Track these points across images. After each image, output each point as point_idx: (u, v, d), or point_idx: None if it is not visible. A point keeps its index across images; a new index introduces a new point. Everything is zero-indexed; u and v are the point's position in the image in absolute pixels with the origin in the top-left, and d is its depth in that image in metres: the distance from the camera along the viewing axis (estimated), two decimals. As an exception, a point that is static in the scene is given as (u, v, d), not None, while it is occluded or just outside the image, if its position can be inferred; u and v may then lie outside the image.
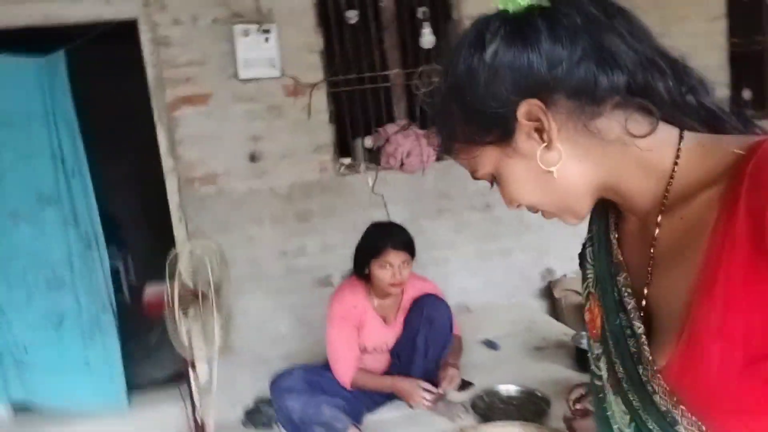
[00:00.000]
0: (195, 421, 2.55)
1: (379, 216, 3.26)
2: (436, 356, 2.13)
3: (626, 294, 0.69)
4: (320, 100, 3.18)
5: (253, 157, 3.13)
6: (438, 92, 0.71)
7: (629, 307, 0.68)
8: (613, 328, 0.70)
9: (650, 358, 0.63)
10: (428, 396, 1.96)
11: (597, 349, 0.75)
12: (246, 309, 3.22)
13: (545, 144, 0.65)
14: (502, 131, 0.66)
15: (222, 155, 3.09)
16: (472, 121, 0.68)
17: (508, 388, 2.20)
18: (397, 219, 3.00)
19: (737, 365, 0.56)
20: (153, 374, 3.32)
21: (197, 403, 2.54)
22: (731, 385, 0.56)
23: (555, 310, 3.42)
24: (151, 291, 2.52)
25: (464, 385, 2.29)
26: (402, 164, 3.21)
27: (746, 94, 3.90)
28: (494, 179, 0.72)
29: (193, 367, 2.57)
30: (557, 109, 0.63)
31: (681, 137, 0.64)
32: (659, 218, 0.65)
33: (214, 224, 3.10)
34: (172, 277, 2.41)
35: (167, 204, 3.11)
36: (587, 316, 0.79)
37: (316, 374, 2.06)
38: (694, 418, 0.60)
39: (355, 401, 2.06)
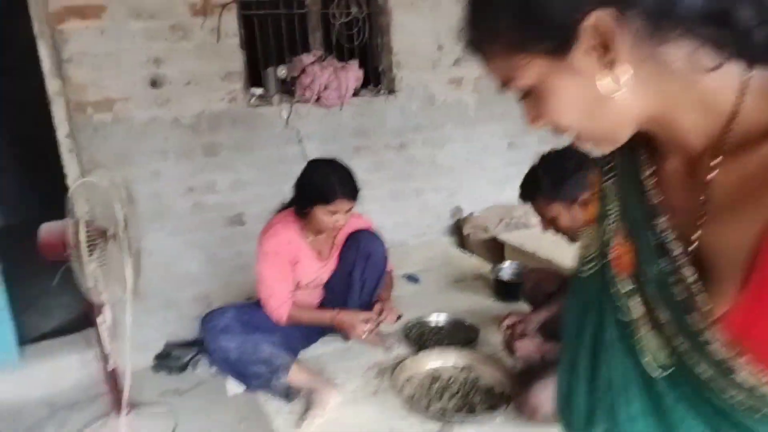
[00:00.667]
0: (106, 369, 2.36)
1: (294, 153, 3.14)
2: (371, 291, 2.12)
3: (669, 239, 0.65)
4: (230, 22, 2.91)
5: (154, 83, 2.82)
6: None
7: (675, 253, 0.64)
8: (653, 274, 0.66)
9: (706, 308, 0.60)
10: (368, 327, 1.95)
11: (626, 287, 0.71)
12: (151, 249, 2.98)
13: (606, 64, 0.59)
14: (559, 41, 0.60)
15: (119, 78, 2.75)
16: (527, 23, 0.60)
17: (437, 318, 2.27)
18: (312, 156, 2.90)
19: None
20: (48, 324, 3.00)
21: (108, 350, 2.35)
22: None
23: (464, 246, 3.56)
24: (47, 230, 2.22)
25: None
26: (318, 98, 3.08)
27: None
28: (528, 94, 0.66)
29: (101, 311, 2.36)
30: (628, 26, 0.57)
31: (749, 76, 0.59)
32: (716, 161, 0.60)
33: (111, 157, 2.79)
34: (73, 213, 2.16)
35: (54, 133, 2.74)
36: (612, 253, 0.74)
37: (249, 312, 1.96)
38: (760, 367, 0.56)
39: (290, 337, 2.00)
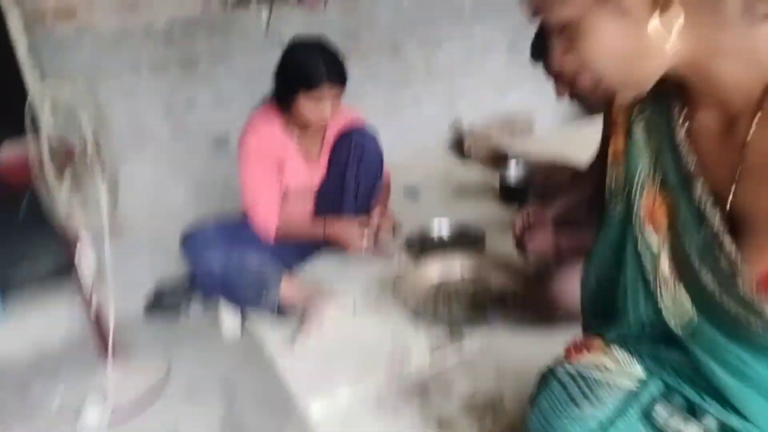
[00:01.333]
0: (89, 314, 2.22)
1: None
2: (366, 195, 1.92)
3: (707, 205, 0.65)
4: None
5: (118, -15, 2.54)
6: None
7: (714, 222, 0.64)
8: (694, 241, 0.67)
9: (749, 275, 0.60)
10: (367, 234, 1.78)
11: (655, 244, 0.72)
12: (130, 179, 2.77)
13: (660, 6, 0.55)
14: None
15: (78, -19, 2.47)
16: None
17: (440, 224, 2.11)
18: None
19: None
20: (34, 269, 2.84)
21: (89, 293, 2.19)
22: None
23: (466, 159, 3.36)
24: (7, 151, 2.02)
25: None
26: (301, -2, 2.79)
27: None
28: (564, 29, 0.61)
29: (79, 247, 2.19)
30: None
31: None
32: (757, 116, 0.59)
33: (78, 72, 2.55)
34: (36, 130, 1.95)
35: (11, 47, 2.48)
36: (643, 207, 0.74)
37: (233, 225, 1.78)
38: None
39: (282, 252, 1.84)
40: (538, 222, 1.56)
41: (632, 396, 0.73)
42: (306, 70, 1.65)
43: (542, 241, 1.51)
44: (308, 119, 1.74)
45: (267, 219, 1.77)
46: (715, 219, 0.64)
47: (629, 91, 0.65)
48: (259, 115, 1.80)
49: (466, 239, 2.03)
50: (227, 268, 1.63)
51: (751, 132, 0.60)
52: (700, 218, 0.65)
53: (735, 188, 0.62)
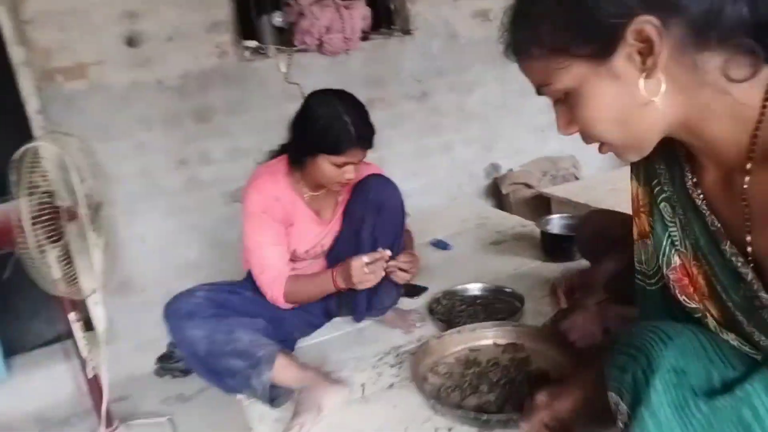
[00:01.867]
0: (86, 377, 2.02)
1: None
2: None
3: (739, 263, 0.68)
4: (212, -37, 2.51)
5: (131, 41, 2.46)
6: None
7: (749, 278, 0.67)
8: (737, 301, 0.69)
9: None
10: (370, 261, 1.46)
11: (695, 308, 0.76)
12: (144, 234, 2.65)
13: (646, 70, 0.62)
14: (602, 46, 0.63)
15: (90, 38, 2.40)
16: (572, 26, 0.63)
17: (471, 287, 1.81)
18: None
19: None
20: (36, 332, 2.70)
21: (86, 356, 2.00)
22: None
23: (504, 207, 3.07)
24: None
25: (415, 290, 1.88)
26: (321, 44, 2.64)
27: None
28: (562, 99, 0.68)
29: (74, 309, 2.01)
30: (669, 34, 0.60)
31: None
32: (748, 166, 0.64)
33: (89, 130, 2.43)
34: (18, 188, 1.80)
35: (23, 107, 2.41)
36: (674, 275, 0.78)
37: (228, 291, 1.54)
38: None
39: (282, 322, 1.59)
40: (588, 285, 1.25)
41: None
42: (332, 131, 1.43)
43: (586, 330, 1.21)
44: (326, 182, 1.53)
45: (276, 283, 1.54)
46: (749, 275, 0.66)
47: (631, 151, 0.68)
48: (266, 171, 1.60)
49: (501, 303, 1.72)
50: (210, 344, 1.38)
51: (747, 180, 0.64)
52: (736, 277, 0.68)
53: (750, 239, 0.66)
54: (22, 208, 1.72)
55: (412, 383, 1.34)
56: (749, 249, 0.67)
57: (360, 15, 2.66)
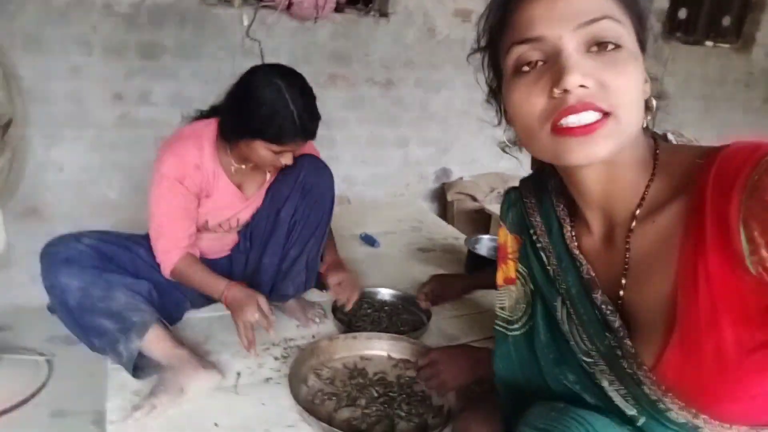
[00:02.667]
0: None
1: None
2: (303, 242, 1.52)
3: (608, 311, 0.70)
4: None
5: (84, -49, 2.25)
6: None
7: (616, 325, 0.69)
8: (602, 349, 0.70)
9: (649, 377, 0.65)
10: (260, 319, 1.32)
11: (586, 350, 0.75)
12: (63, 162, 2.46)
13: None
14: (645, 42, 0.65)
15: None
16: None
17: (382, 292, 1.73)
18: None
19: (731, 356, 0.58)
20: None
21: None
22: (726, 375, 0.58)
23: (445, 216, 3.01)
24: None
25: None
26: (290, 4, 2.49)
27: (682, 13, 3.60)
28: (601, 45, 0.60)
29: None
30: None
31: (657, 145, 0.69)
32: (638, 212, 0.67)
33: (20, 39, 2.23)
34: None
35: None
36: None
37: (118, 246, 1.41)
38: (688, 407, 0.62)
39: (172, 290, 1.47)
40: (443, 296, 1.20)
41: None
42: (275, 122, 1.29)
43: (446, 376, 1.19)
44: (258, 163, 1.41)
45: (168, 254, 1.40)
46: (616, 323, 0.68)
47: (615, 136, 0.61)
48: (191, 134, 1.43)
49: (407, 314, 1.65)
50: (83, 298, 1.25)
51: (633, 226, 0.67)
52: (604, 327, 0.70)
53: (624, 290, 0.68)
54: None
55: (290, 381, 1.25)
56: (621, 296, 0.69)
57: (338, -15, 2.52)
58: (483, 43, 0.72)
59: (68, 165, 2.46)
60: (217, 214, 1.51)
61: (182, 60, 2.48)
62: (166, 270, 1.41)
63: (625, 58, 0.60)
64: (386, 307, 1.67)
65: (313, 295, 1.69)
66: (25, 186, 2.35)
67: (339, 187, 2.81)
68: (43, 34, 2.27)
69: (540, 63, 0.62)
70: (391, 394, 1.26)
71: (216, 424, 1.14)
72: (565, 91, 0.58)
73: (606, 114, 0.58)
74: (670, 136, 1.08)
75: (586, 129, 0.58)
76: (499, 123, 0.76)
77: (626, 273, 0.68)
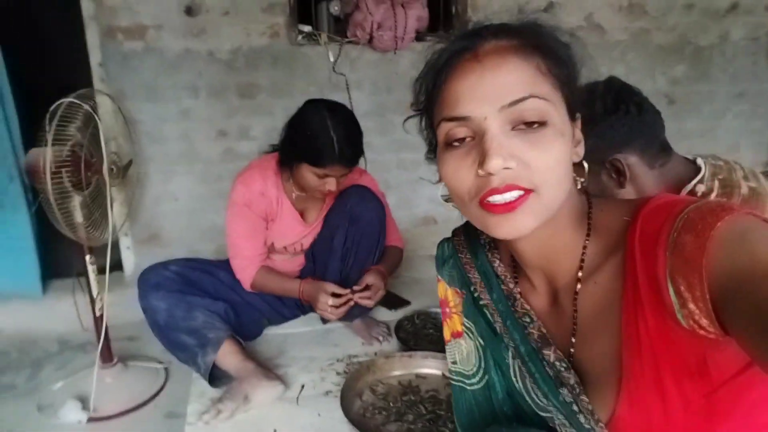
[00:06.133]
0: (94, 315, 2.17)
1: (340, 102, 2.74)
2: (359, 264, 1.65)
3: (563, 368, 0.69)
4: (278, -55, 2.57)
5: (190, 10, 2.56)
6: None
7: (572, 382, 0.68)
8: (558, 405, 0.70)
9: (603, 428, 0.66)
10: (334, 301, 1.50)
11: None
12: (177, 194, 2.78)
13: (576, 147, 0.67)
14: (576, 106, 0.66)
15: (152, 1, 2.52)
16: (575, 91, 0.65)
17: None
18: (360, 109, 2.49)
19: (677, 410, 0.59)
20: (72, 261, 2.92)
21: (95, 296, 2.15)
22: (675, 429, 0.59)
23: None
24: (34, 154, 2.04)
25: (398, 302, 1.87)
26: (371, 38, 2.64)
27: None
28: (527, 123, 0.60)
29: (90, 252, 2.16)
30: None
31: (590, 204, 0.70)
32: (580, 274, 0.67)
33: (140, 89, 2.59)
34: (47, 138, 1.94)
35: (87, 61, 2.58)
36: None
37: (201, 271, 1.61)
38: None
39: (250, 309, 1.64)
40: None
41: None
42: (315, 145, 1.44)
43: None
44: (308, 188, 1.56)
45: (244, 270, 1.60)
46: (572, 381, 0.68)
47: (542, 211, 0.62)
48: (257, 165, 1.64)
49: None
50: (169, 317, 1.45)
51: (578, 288, 0.67)
52: (558, 383, 0.69)
53: (574, 347, 0.69)
54: (46, 154, 1.86)
55: (347, 395, 1.34)
56: (572, 354, 0.69)
57: (415, 15, 2.63)
58: (420, 106, 0.73)
59: (182, 196, 2.78)
60: (282, 238, 1.67)
61: (276, 97, 2.72)
62: (246, 284, 1.59)
63: (551, 135, 0.60)
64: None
65: (380, 314, 1.78)
66: (147, 215, 2.71)
67: (425, 208, 2.91)
68: (158, 82, 2.61)
69: (468, 138, 0.63)
70: (438, 411, 1.31)
71: (275, 431, 1.26)
72: (489, 173, 0.59)
73: (528, 191, 0.60)
74: (699, 161, 1.03)
75: (508, 207, 0.60)
76: (439, 180, 0.73)
77: (575, 332, 0.68)
